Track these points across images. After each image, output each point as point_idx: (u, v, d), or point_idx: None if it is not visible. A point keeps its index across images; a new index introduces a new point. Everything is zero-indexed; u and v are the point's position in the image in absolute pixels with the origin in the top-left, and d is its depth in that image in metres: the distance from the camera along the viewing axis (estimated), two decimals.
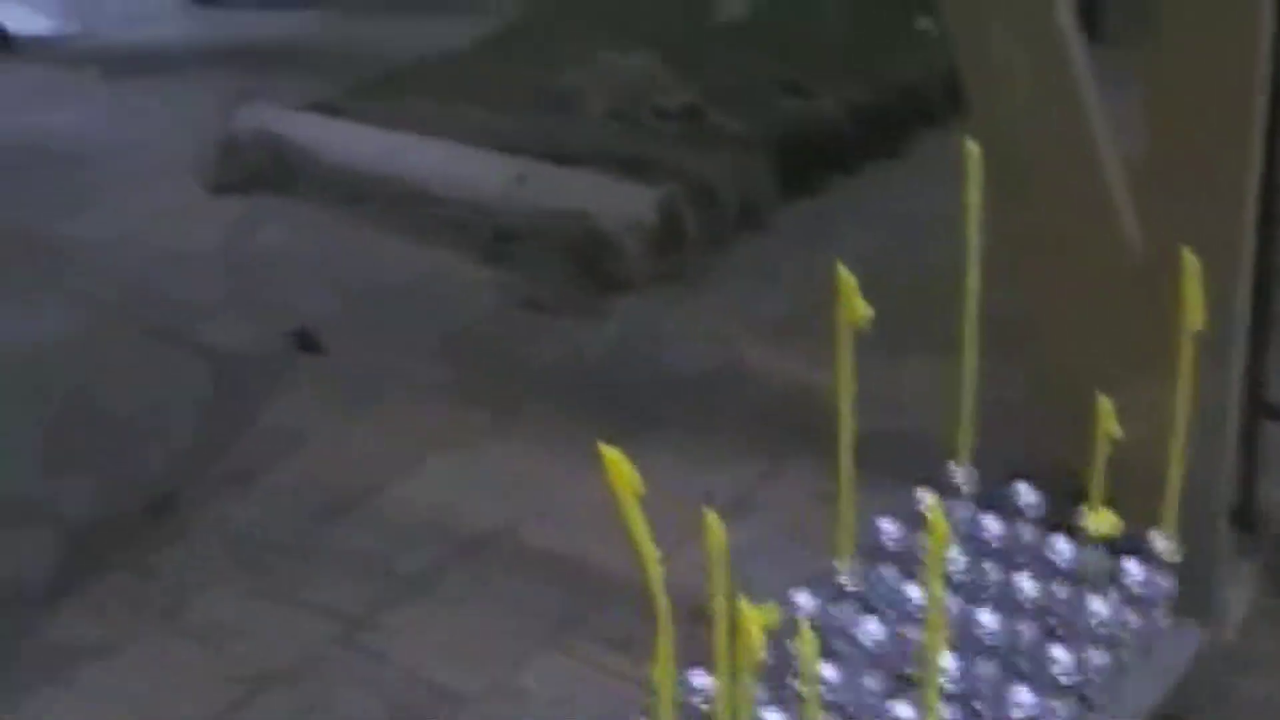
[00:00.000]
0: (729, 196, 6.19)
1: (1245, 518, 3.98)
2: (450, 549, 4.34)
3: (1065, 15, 3.62)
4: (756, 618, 2.30)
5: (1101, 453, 2.87)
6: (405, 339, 5.44)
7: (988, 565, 3.07)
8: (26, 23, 9.14)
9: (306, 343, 5.38)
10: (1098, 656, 2.90)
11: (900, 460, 3.50)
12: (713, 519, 2.32)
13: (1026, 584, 3.01)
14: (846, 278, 2.77)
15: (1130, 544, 3.07)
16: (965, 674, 2.78)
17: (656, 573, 2.30)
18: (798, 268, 5.80)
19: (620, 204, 5.95)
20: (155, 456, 4.82)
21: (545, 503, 4.51)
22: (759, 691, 2.67)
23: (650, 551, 2.27)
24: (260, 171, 6.62)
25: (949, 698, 2.75)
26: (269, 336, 5.43)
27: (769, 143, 6.50)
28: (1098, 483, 2.92)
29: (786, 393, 5.03)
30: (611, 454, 2.22)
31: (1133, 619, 3.00)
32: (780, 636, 2.66)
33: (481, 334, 5.51)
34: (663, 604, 2.31)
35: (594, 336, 5.47)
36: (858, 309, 2.78)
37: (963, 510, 3.17)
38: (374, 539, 4.42)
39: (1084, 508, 3.01)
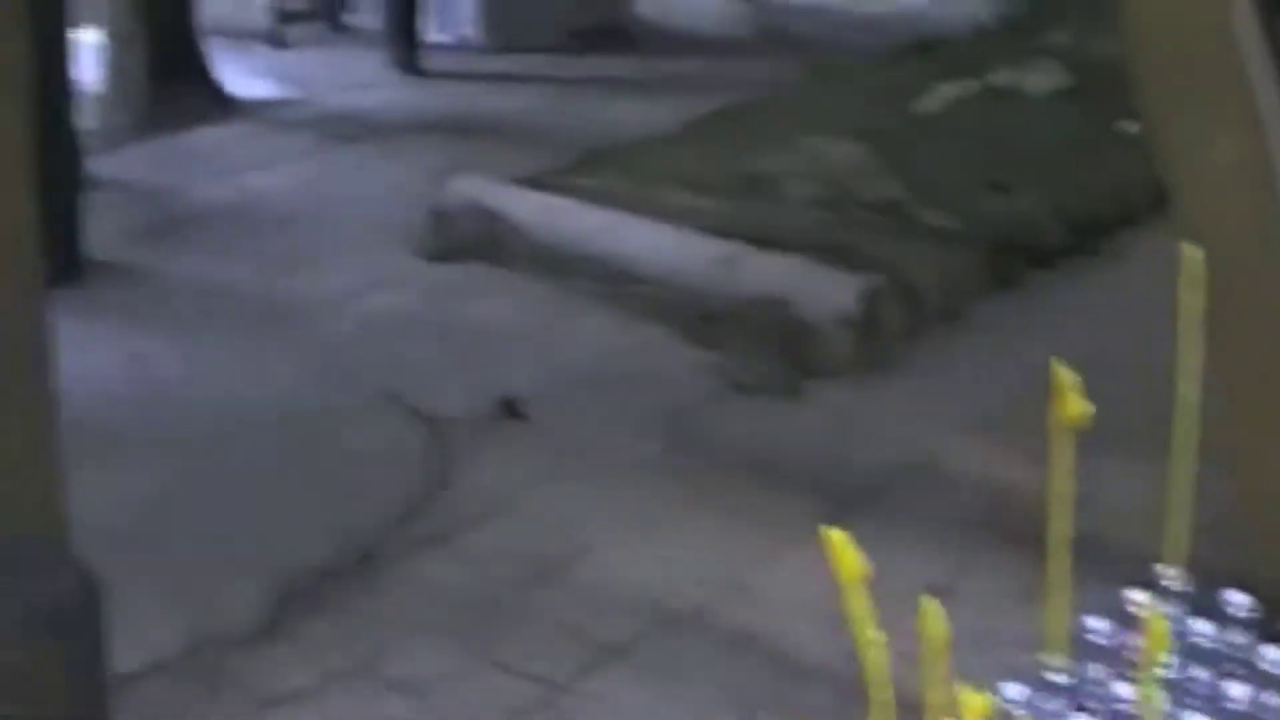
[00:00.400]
0: (930, 289, 6.25)
1: None
2: (649, 621, 4.40)
3: (1270, 111, 3.63)
4: (976, 705, 2.32)
5: None
6: (609, 413, 5.54)
7: (1197, 669, 3.08)
8: (248, 86, 9.45)
9: (512, 410, 5.50)
10: None
11: (1103, 560, 3.52)
12: (931, 607, 2.35)
13: (1236, 690, 3.02)
14: (1065, 375, 2.79)
15: None
16: None
17: (878, 658, 2.32)
18: (996, 363, 5.84)
19: (823, 292, 6.02)
20: (363, 511, 4.94)
21: (743, 580, 4.57)
22: None
23: (873, 636, 2.30)
24: (472, 242, 6.79)
25: None
26: (476, 402, 5.56)
27: (971, 238, 6.56)
28: None
29: (981, 488, 5.05)
30: (837, 537, 2.26)
31: None
32: None
33: (684, 412, 5.59)
34: (883, 689, 2.33)
35: (794, 420, 5.54)
36: (1076, 407, 2.79)
37: (1173, 612, 3.19)
38: (574, 607, 4.49)
39: None
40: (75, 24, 7.32)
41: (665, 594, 4.52)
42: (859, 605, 2.29)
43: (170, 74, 9.01)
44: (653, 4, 11.06)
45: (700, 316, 6.12)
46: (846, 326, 5.92)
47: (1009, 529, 4.80)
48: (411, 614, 4.47)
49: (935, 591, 4.48)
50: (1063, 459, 2.84)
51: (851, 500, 4.97)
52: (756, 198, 6.96)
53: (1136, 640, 2.46)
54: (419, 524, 4.88)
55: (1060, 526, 2.90)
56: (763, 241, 6.42)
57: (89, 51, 8.34)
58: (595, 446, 5.33)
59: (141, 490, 5.02)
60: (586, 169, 7.40)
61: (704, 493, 5.06)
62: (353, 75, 9.67)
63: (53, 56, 6.39)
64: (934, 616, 2.35)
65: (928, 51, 9.17)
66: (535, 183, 7.14)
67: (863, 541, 4.64)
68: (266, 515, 4.93)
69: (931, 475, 5.19)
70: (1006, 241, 6.60)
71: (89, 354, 5.70)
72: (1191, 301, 3.02)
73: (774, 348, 5.90)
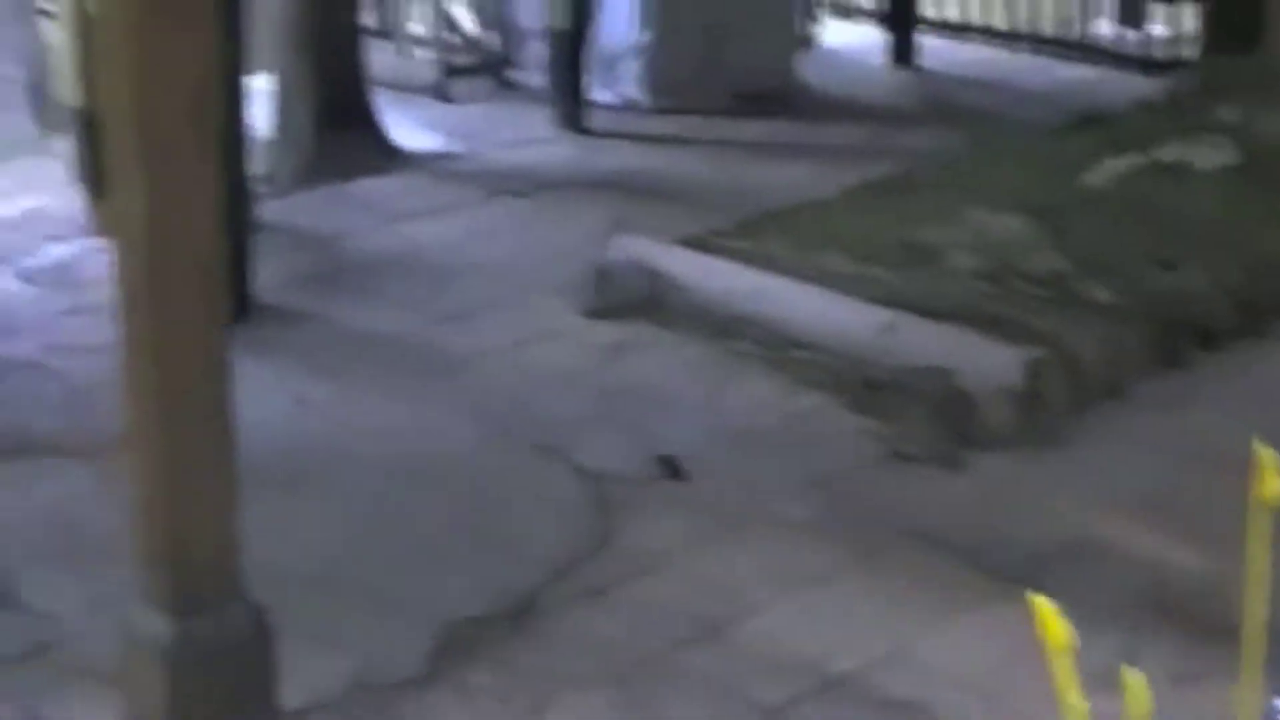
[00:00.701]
0: (1094, 364, 6.20)
1: None
2: (807, 684, 4.40)
3: None
4: None
5: None
6: (768, 475, 5.55)
7: None
8: (413, 139, 9.59)
9: (673, 469, 5.52)
10: None
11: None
12: (1135, 681, 2.34)
13: None
14: (1267, 454, 2.77)
15: None
16: None
17: None
18: (1160, 441, 5.79)
19: (986, 364, 5.99)
20: (522, 563, 4.98)
21: (902, 647, 4.55)
22: None
23: (1076, 704, 2.29)
24: (634, 300, 6.83)
25: None
26: (637, 459, 5.59)
27: (1137, 314, 6.50)
28: None
29: (1144, 567, 5.01)
30: (1042, 604, 2.26)
31: None
32: None
33: (845, 477, 5.58)
34: None
35: (954, 490, 5.52)
36: (1276, 486, 2.76)
37: None
38: (731, 667, 4.50)
39: None
40: (248, 70, 7.47)
41: (823, 658, 4.51)
42: (1064, 672, 2.29)
43: (338, 123, 9.15)
44: (816, 70, 11.09)
45: (861, 383, 6.12)
46: (1009, 398, 5.89)
47: (1172, 609, 4.75)
48: (570, 667, 4.49)
49: (1098, 675, 4.48)
50: (1261, 539, 2.81)
51: (1012, 573, 4.93)
52: (919, 267, 6.94)
53: None
54: (579, 578, 4.91)
55: (1257, 608, 2.87)
56: (925, 311, 6.40)
57: (259, 98, 8.48)
58: (754, 508, 5.34)
59: (303, 532, 5.09)
60: (749, 232, 7.42)
61: (863, 559, 5.05)
62: (517, 131, 9.78)
63: (229, 102, 6.52)
64: (1137, 691, 2.34)
65: (1093, 125, 9.12)
66: (698, 243, 7.18)
67: (1023, 616, 4.63)
68: (427, 563, 4.98)
69: (1093, 552, 5.14)
70: (1173, 319, 6.54)
71: (255, 394, 5.76)
72: None
73: (935, 417, 5.88)
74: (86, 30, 8.51)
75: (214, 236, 3.67)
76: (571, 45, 9.86)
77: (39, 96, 14.84)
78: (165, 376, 3.58)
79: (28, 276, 7.86)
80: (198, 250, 3.60)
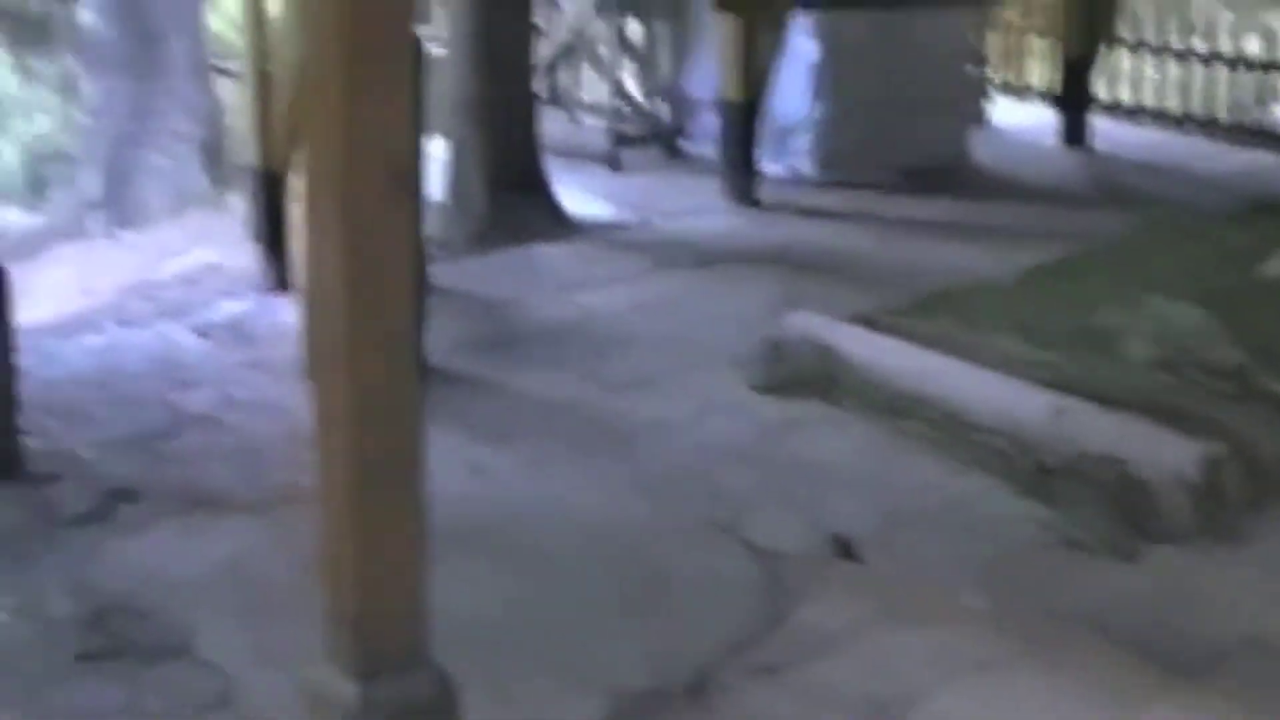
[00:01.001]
0: (1273, 460, 6.10)
1: None
2: None
3: None
4: None
5: None
6: (940, 559, 5.51)
7: None
8: (584, 206, 9.66)
9: (845, 549, 5.50)
10: None
11: None
12: None
13: None
14: None
15: None
16: None
17: None
18: None
19: (1162, 455, 5.91)
20: (695, 638, 4.97)
21: None
22: None
23: None
24: (804, 376, 6.82)
25: None
26: (808, 537, 5.57)
27: None
28: None
29: None
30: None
31: None
32: None
33: (1017, 564, 5.53)
34: None
35: (1129, 582, 5.44)
36: None
37: None
38: None
39: None
40: (425, 135, 7.57)
41: None
42: None
43: (511, 189, 9.26)
44: (987, 148, 11.07)
45: (1033, 468, 6.06)
46: (1187, 491, 5.80)
47: None
48: None
49: None
50: None
51: (1188, 668, 4.86)
52: (1092, 353, 6.88)
53: None
54: (751, 655, 4.89)
55: None
56: (1099, 398, 6.34)
57: (433, 162, 8.60)
58: (926, 592, 5.30)
59: (475, 597, 5.12)
60: (920, 311, 7.40)
61: (1034, 647, 4.99)
62: (687, 201, 9.84)
63: None
64: None
65: (1270, 213, 9.01)
66: (870, 321, 7.16)
67: (1199, 711, 4.56)
68: (599, 632, 4.99)
69: (1273, 649, 5.05)
70: None
71: (430, 459, 5.83)
72: None
73: (1109, 507, 5.81)
74: (266, 90, 8.66)
75: (410, 300, 3.72)
76: (744, 117, 9.90)
77: (212, 153, 15.17)
78: (358, 438, 3.62)
79: (203, 330, 8.00)
80: (394, 314, 3.65)
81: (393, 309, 3.66)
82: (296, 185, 8.28)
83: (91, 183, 14.72)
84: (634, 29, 11.44)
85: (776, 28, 9.87)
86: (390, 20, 3.52)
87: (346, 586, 3.70)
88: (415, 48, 3.64)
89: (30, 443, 6.32)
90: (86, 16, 15.25)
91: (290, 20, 8.41)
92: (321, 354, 3.74)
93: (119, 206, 14.33)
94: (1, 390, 6.22)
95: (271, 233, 8.64)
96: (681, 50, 11.33)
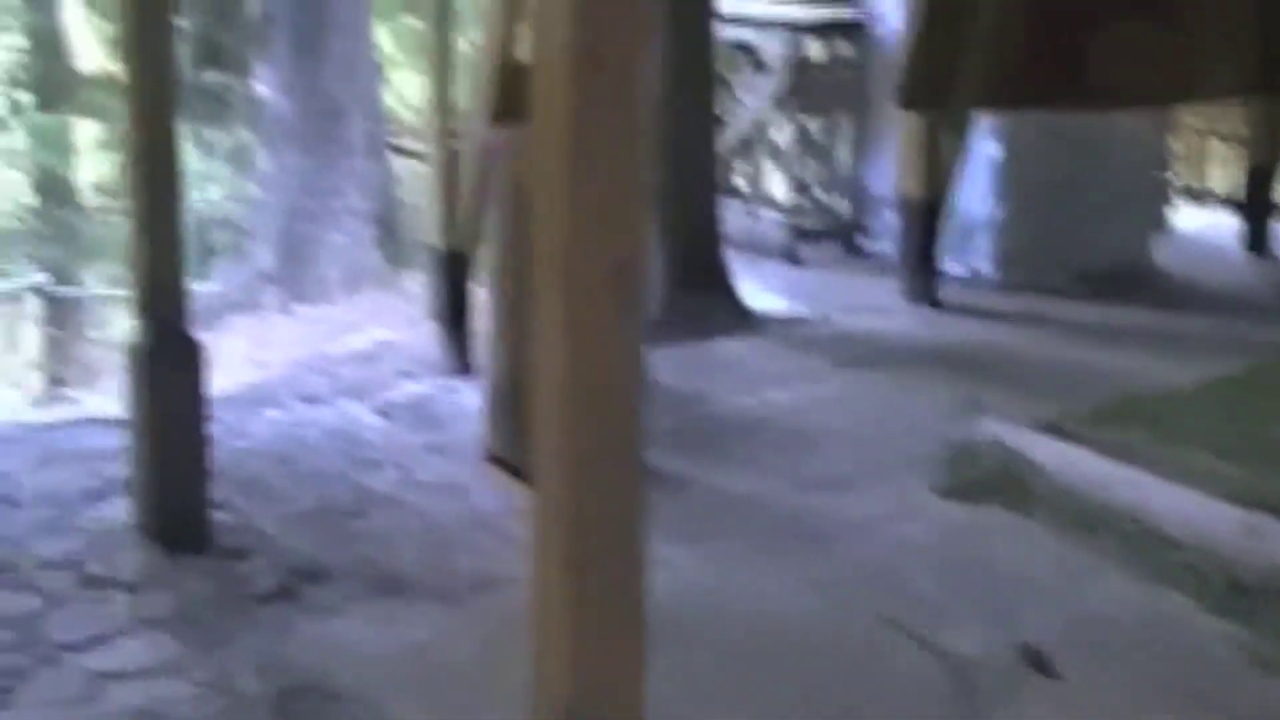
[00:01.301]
0: None
1: None
2: None
3: None
4: None
5: None
6: (1130, 677, 5.41)
7: None
8: (763, 300, 9.66)
9: (1038, 662, 5.42)
10: None
11: None
12: None
13: None
14: None
15: None
16: None
17: None
18: None
19: None
20: None
21: None
22: None
23: None
24: (990, 482, 6.76)
25: None
26: (997, 646, 5.50)
27: None
28: None
29: None
30: None
31: None
32: None
33: (1213, 685, 5.42)
34: None
35: None
36: None
37: None
38: None
39: None
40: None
41: None
42: None
43: (691, 281, 9.27)
44: (1169, 254, 10.95)
45: (1228, 586, 5.95)
46: None
47: None
48: None
49: None
50: None
51: None
52: None
53: None
54: None
55: None
56: None
57: None
58: (1118, 709, 5.21)
59: (658, 691, 5.08)
60: (1106, 419, 7.31)
61: None
62: (866, 299, 9.81)
63: None
64: None
65: None
66: (1056, 429, 7.09)
67: None
68: None
69: None
70: None
71: None
72: None
73: None
74: (452, 170, 8.76)
75: (636, 401, 3.70)
76: (924, 216, 9.85)
77: (386, 230, 15.36)
78: (581, 539, 3.61)
79: (385, 411, 8.07)
80: (619, 415, 3.64)
81: (618, 410, 3.64)
82: (480, 266, 8.37)
83: (264, 255, 14.96)
84: (814, 123, 11.45)
85: (959, 126, 9.83)
86: (619, 108, 3.52)
87: (562, 683, 3.69)
88: (644, 135, 3.63)
89: (219, 516, 6.41)
90: (263, 91, 15.56)
91: (477, 100, 8.53)
92: (545, 451, 3.74)
93: (292, 280, 14.55)
94: (195, 462, 6.32)
95: (454, 314, 8.73)
96: (862, 145, 11.33)
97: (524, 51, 8.76)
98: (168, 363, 6.30)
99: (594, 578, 3.65)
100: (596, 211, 3.61)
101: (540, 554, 3.74)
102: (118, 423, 7.24)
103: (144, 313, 6.33)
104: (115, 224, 19.03)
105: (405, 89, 19.21)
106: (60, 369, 16.45)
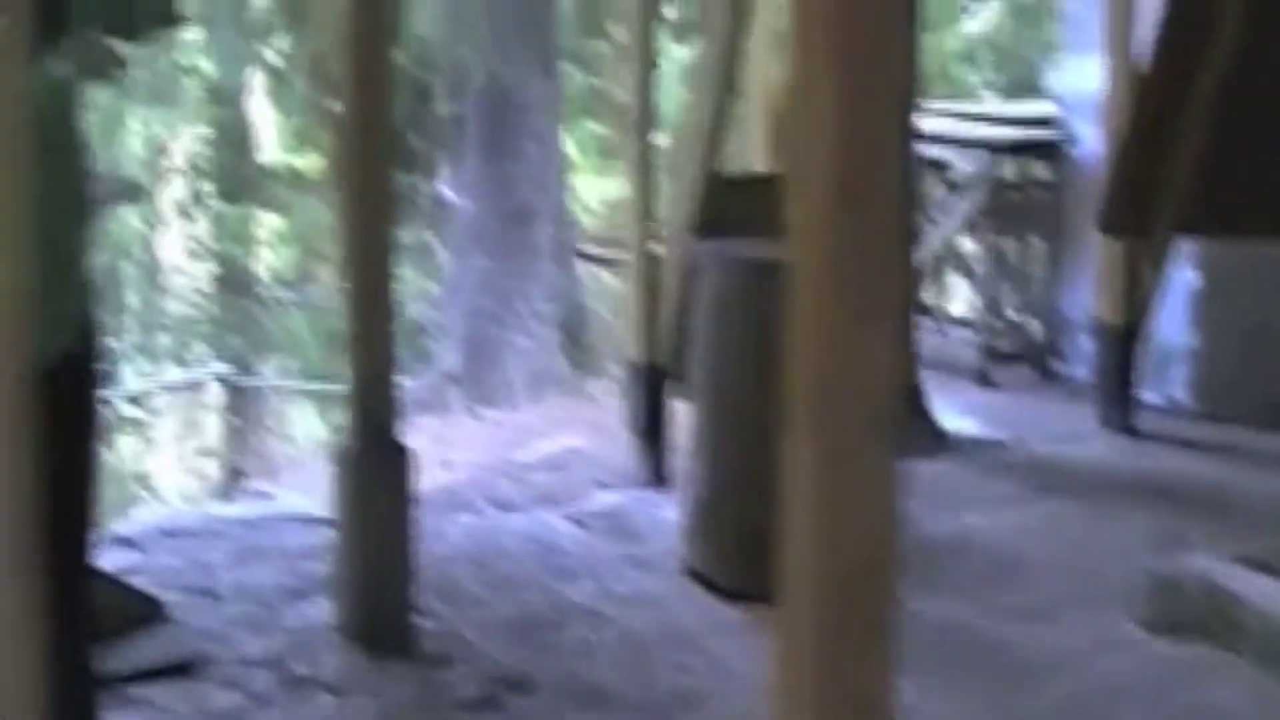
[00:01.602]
0: None
1: None
2: None
3: None
4: None
5: None
6: None
7: None
8: (956, 423, 9.61)
9: None
10: None
11: None
12: None
13: None
14: None
15: None
16: None
17: None
18: None
19: None
20: None
21: None
22: None
23: None
24: (1196, 619, 6.63)
25: None
26: None
27: None
28: None
29: None
30: None
31: None
32: None
33: None
34: None
35: None
36: None
37: None
38: None
39: None
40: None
41: None
42: None
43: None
44: None
45: None
46: None
47: None
48: None
49: None
50: None
51: None
52: None
53: None
54: None
55: None
56: None
57: None
58: None
59: None
60: None
61: None
62: (1060, 424, 9.72)
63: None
64: None
65: None
66: (1265, 566, 6.95)
67: None
68: None
69: None
70: None
71: None
72: None
73: None
74: (653, 282, 8.82)
75: (893, 546, 3.64)
76: (1122, 342, 9.74)
77: (572, 336, 15.49)
78: (826, 678, 3.59)
79: (579, 520, 8.11)
80: (874, 563, 3.59)
81: (873, 555, 3.61)
82: (679, 380, 8.42)
83: (449, 356, 15.12)
84: (1008, 243, 11.41)
85: (1159, 252, 9.74)
86: (878, 245, 3.49)
87: None
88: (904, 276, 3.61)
89: (420, 620, 6.46)
90: (448, 193, 15.80)
91: (678, 210, 8.61)
92: (790, 597, 3.69)
93: (478, 383, 14.70)
94: (400, 566, 6.38)
95: (650, 426, 8.77)
96: (1058, 267, 11.26)
97: (722, 160, 8.83)
98: (377, 465, 6.37)
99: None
100: (854, 355, 3.54)
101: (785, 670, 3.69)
102: (316, 520, 7.34)
103: (356, 413, 6.39)
104: (293, 316, 19.44)
105: (587, 193, 19.41)
106: (238, 459, 16.73)
